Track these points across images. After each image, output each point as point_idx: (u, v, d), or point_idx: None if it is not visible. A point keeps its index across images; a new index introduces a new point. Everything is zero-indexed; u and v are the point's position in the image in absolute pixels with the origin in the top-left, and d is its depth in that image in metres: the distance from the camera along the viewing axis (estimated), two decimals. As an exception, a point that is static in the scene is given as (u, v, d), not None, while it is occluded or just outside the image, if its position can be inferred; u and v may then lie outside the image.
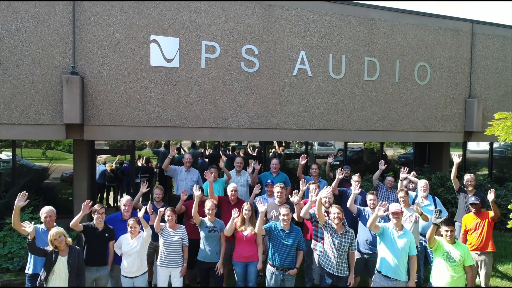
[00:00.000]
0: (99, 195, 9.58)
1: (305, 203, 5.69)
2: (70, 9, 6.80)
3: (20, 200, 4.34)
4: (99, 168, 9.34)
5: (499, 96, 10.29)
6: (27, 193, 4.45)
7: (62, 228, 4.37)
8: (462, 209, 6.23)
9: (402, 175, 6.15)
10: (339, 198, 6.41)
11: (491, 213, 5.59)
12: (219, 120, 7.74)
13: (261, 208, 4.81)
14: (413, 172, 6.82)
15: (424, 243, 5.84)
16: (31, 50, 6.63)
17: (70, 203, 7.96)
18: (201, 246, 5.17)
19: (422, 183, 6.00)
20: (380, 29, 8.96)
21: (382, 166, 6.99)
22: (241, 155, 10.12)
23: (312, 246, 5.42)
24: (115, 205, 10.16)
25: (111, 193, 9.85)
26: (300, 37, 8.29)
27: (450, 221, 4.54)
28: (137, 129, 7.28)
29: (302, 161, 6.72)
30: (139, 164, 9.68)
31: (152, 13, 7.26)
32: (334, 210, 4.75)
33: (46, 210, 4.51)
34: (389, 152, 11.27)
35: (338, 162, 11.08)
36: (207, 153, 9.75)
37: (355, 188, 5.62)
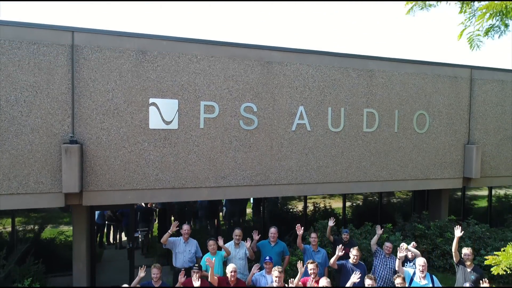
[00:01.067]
0: (98, 235, 9.60)
1: (303, 283, 5.73)
2: (69, 76, 6.80)
3: None
4: (98, 208, 9.34)
5: (498, 140, 10.31)
6: None
7: None
8: (460, 284, 6.24)
9: (400, 254, 6.13)
10: (338, 271, 6.42)
11: None
12: (218, 179, 7.75)
13: None
14: (413, 243, 6.83)
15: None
16: (30, 119, 6.62)
17: (69, 252, 7.84)
18: (200, 334, 5.19)
19: (420, 261, 6.00)
20: (379, 79, 8.97)
21: (379, 231, 7.05)
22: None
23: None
24: (114, 243, 10.20)
25: (111, 229, 9.89)
26: (299, 92, 8.29)
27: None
28: (136, 192, 7.28)
29: (299, 231, 6.71)
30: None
31: (151, 76, 7.26)
32: None
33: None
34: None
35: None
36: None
37: (353, 270, 5.65)
